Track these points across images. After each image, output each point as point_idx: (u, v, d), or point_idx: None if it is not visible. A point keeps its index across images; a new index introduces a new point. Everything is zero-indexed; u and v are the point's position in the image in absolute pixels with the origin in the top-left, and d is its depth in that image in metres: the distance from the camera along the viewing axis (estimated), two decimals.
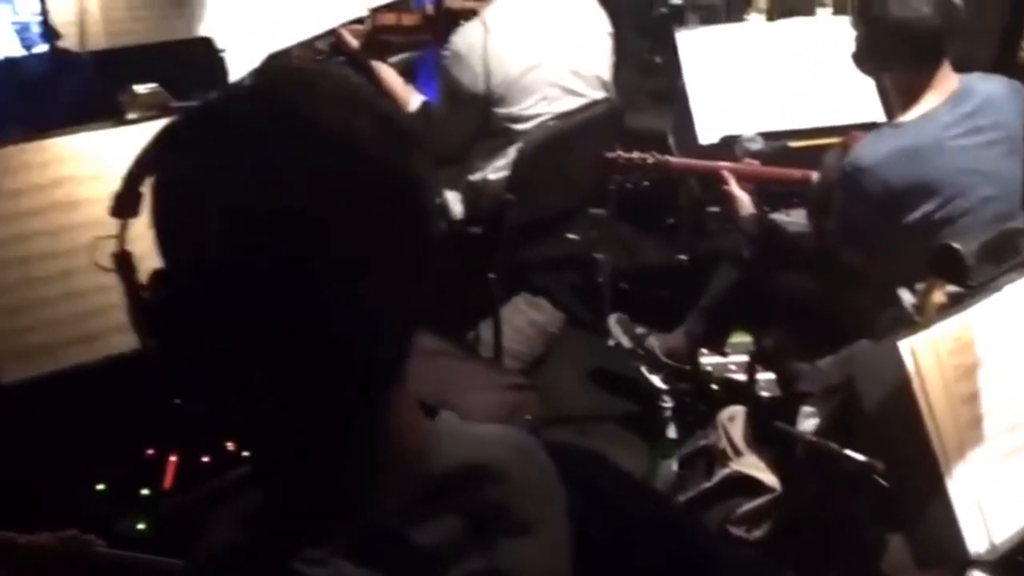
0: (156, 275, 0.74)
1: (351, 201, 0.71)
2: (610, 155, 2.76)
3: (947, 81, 2.22)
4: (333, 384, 0.73)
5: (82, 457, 1.75)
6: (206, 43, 2.48)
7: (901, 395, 1.37)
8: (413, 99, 3.01)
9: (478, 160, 2.92)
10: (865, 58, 2.27)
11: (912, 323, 1.50)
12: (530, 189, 2.86)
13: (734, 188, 2.61)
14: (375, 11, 3.29)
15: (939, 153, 2.17)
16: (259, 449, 0.80)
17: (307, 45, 3.38)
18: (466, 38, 2.74)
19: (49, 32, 1.70)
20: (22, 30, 1.65)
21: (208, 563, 0.82)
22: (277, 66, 0.80)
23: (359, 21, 3.32)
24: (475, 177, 2.92)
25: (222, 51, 2.74)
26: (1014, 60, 3.14)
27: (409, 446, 0.78)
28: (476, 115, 2.82)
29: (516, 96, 2.78)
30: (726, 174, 2.62)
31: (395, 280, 0.74)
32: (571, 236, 3.41)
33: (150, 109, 1.71)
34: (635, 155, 2.75)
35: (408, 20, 3.18)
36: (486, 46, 2.69)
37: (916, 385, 1.37)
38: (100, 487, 1.70)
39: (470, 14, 2.90)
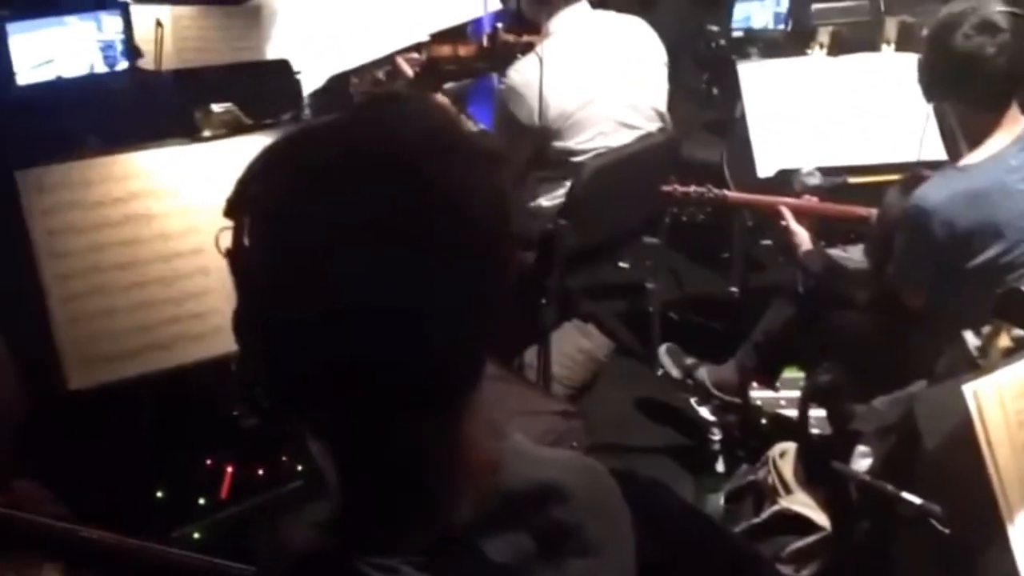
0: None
1: (445, 238, 0.74)
2: (667, 188, 2.76)
3: (1014, 124, 2.20)
4: (417, 397, 0.76)
5: (142, 464, 1.79)
6: (284, 65, 2.54)
7: (964, 439, 1.36)
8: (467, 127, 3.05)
9: (532, 188, 2.94)
10: (931, 84, 2.23)
11: (976, 366, 1.48)
12: (584, 216, 2.87)
13: (792, 223, 2.59)
14: (432, 41, 3.34)
15: (1005, 197, 2.14)
16: (336, 456, 0.81)
17: (365, 72, 3.44)
18: (523, 73, 2.76)
19: (131, 51, 1.75)
20: (106, 48, 1.71)
21: (280, 569, 0.84)
22: (385, 96, 0.83)
23: (417, 49, 3.38)
24: (528, 201, 2.94)
25: (298, 73, 2.81)
26: None
27: (482, 463, 0.80)
28: (531, 148, 2.84)
29: (572, 131, 2.80)
30: (783, 209, 2.61)
31: (481, 308, 0.76)
32: (623, 264, 3.42)
33: (223, 127, 1.76)
34: (692, 188, 2.74)
35: (464, 51, 3.22)
36: (542, 81, 2.70)
37: (979, 430, 1.35)
38: (159, 494, 1.73)
39: (526, 47, 2.92)
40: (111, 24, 1.68)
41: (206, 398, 1.91)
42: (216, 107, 1.66)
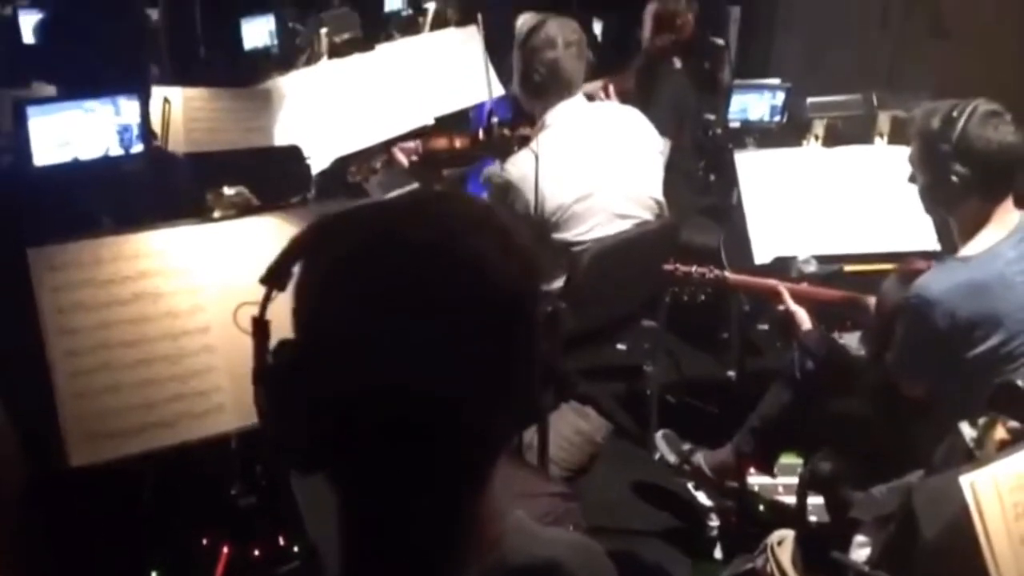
0: (283, 344, 0.82)
1: (478, 319, 0.78)
2: (668, 267, 2.79)
3: (1009, 215, 2.24)
4: (442, 470, 0.79)
5: (139, 541, 1.78)
6: (295, 151, 2.60)
7: (961, 530, 1.36)
8: None
9: None
10: (945, 191, 2.23)
11: (973, 458, 1.49)
12: (582, 299, 2.89)
13: (791, 304, 2.62)
14: (428, 133, 3.39)
15: (1006, 288, 2.16)
16: (346, 520, 0.84)
17: (362, 161, 3.51)
18: (519, 167, 2.75)
19: (146, 134, 1.80)
20: (122, 131, 1.76)
21: None
22: (432, 191, 0.90)
23: (413, 137, 3.44)
24: None
25: (308, 158, 2.88)
26: None
27: (488, 536, 0.82)
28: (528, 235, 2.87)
29: (570, 223, 2.80)
30: (783, 290, 2.64)
31: (510, 389, 0.81)
32: (620, 346, 3.44)
33: (232, 208, 1.80)
34: (693, 269, 2.78)
35: (460, 142, 3.25)
36: (538, 176, 2.70)
37: (977, 521, 1.36)
38: (155, 573, 1.72)
39: (522, 139, 2.94)
40: (129, 108, 1.74)
41: (204, 476, 1.91)
42: (228, 189, 1.70)
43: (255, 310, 0.89)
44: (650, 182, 2.97)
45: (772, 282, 2.73)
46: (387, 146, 3.34)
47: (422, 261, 0.78)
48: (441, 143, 3.27)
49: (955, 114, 2.18)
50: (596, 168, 2.83)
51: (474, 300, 0.78)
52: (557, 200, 2.77)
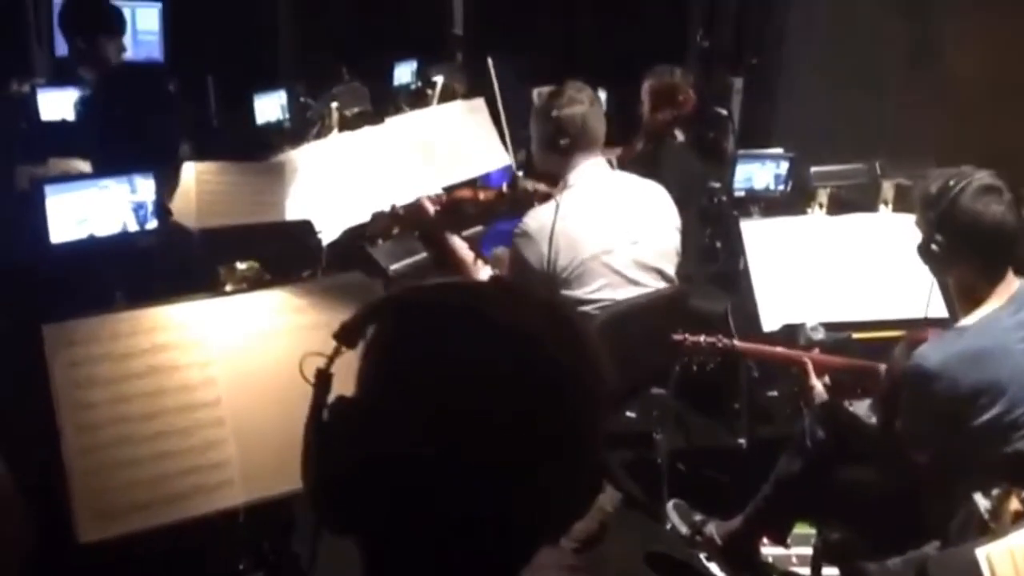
0: (340, 401, 0.86)
1: (546, 411, 0.82)
2: (677, 337, 2.80)
3: (1008, 284, 2.26)
4: (476, 547, 0.82)
5: None
6: (307, 226, 2.64)
7: None
8: (482, 272, 3.11)
9: None
10: (934, 255, 2.29)
11: (988, 530, 1.48)
12: None
13: (811, 379, 2.62)
14: (454, 185, 3.46)
15: (1006, 355, 2.17)
16: None
17: (380, 220, 3.55)
18: (538, 219, 2.83)
19: (161, 210, 1.84)
20: (137, 208, 1.80)
21: None
22: (512, 284, 0.97)
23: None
24: None
25: (319, 232, 2.91)
26: None
27: None
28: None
29: (580, 279, 2.84)
30: (806, 360, 2.65)
31: (566, 475, 0.84)
32: (630, 414, 3.43)
33: (244, 282, 1.82)
34: (703, 338, 2.78)
35: (484, 195, 3.32)
36: (555, 228, 2.77)
37: None
38: None
39: (544, 196, 3.01)
40: (144, 186, 1.77)
41: (211, 550, 1.90)
42: (240, 264, 1.73)
43: (319, 361, 0.92)
44: (665, 254, 3.00)
45: (784, 352, 2.73)
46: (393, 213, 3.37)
47: (500, 340, 0.82)
48: (466, 194, 3.35)
49: (951, 183, 2.22)
50: (613, 231, 2.88)
51: (545, 385, 0.82)
52: (571, 255, 2.81)
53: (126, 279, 1.78)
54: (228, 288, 1.81)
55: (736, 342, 2.80)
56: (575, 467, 0.84)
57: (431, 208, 3.27)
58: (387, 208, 3.35)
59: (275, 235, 2.24)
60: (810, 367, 2.64)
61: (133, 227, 1.79)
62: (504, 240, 3.16)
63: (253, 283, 1.81)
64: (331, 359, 0.90)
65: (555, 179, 2.99)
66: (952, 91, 4.90)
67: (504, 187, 3.31)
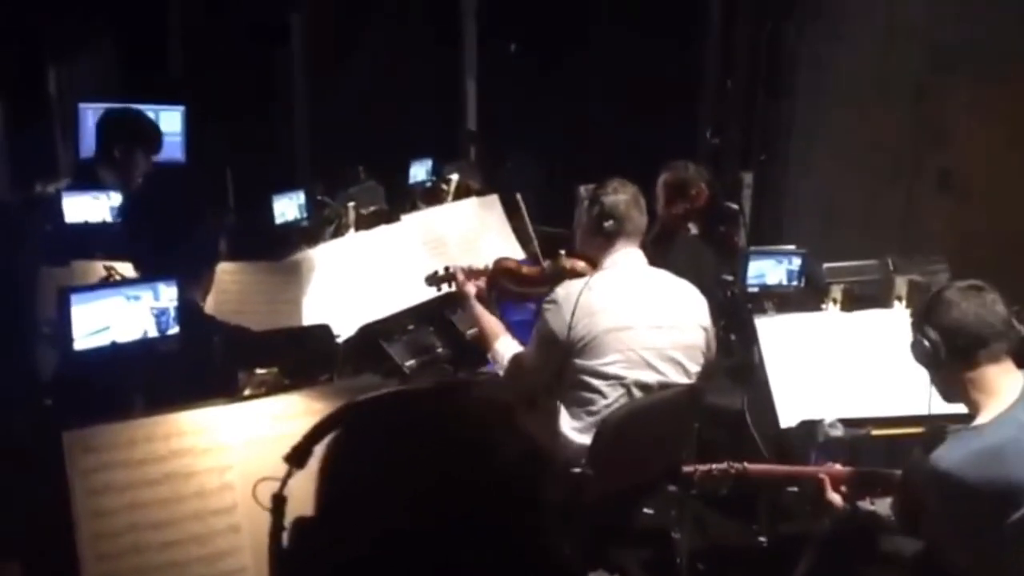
0: (298, 521, 0.87)
1: (493, 506, 0.85)
2: (688, 468, 2.76)
3: (1014, 380, 2.25)
4: None
5: None
6: (325, 330, 2.67)
7: None
8: (508, 345, 3.12)
9: (559, 407, 2.96)
10: (933, 361, 2.35)
11: None
12: (608, 465, 2.89)
13: (828, 494, 2.59)
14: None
15: (1022, 454, 2.15)
16: None
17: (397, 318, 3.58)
18: (567, 288, 2.92)
19: (183, 315, 1.87)
20: (159, 314, 1.83)
21: None
22: (457, 383, 1.01)
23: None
24: (554, 429, 2.95)
25: (338, 336, 2.94)
26: None
27: None
28: (558, 360, 2.91)
29: (595, 350, 2.87)
30: (822, 477, 2.61)
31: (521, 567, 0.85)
32: (648, 510, 3.38)
33: (262, 387, 1.83)
34: (713, 467, 2.73)
35: (527, 270, 3.37)
36: (580, 298, 2.85)
37: None
38: None
39: (580, 276, 3.07)
40: (167, 293, 1.81)
41: None
42: (260, 370, 1.75)
43: (275, 486, 0.95)
44: (686, 348, 3.01)
45: (795, 469, 2.70)
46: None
47: (436, 453, 0.85)
48: (510, 264, 3.39)
49: (937, 289, 2.33)
50: (636, 311, 2.93)
51: (490, 488, 0.85)
52: (590, 324, 2.86)
53: (146, 384, 1.79)
54: (247, 392, 1.82)
55: (748, 465, 2.75)
56: (531, 558, 0.86)
57: (463, 278, 3.30)
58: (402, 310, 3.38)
59: (294, 340, 2.27)
60: (826, 482, 2.61)
61: (154, 333, 1.82)
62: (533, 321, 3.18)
63: (272, 388, 1.83)
64: (284, 482, 0.93)
65: (594, 263, 3.06)
66: (962, 179, 4.96)
67: (546, 263, 3.37)
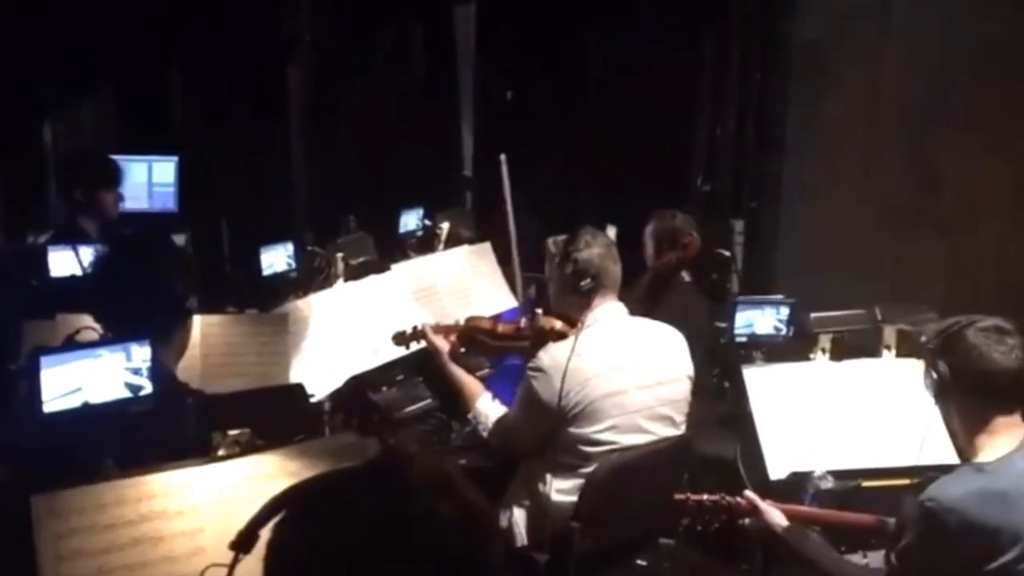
0: None
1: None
2: (680, 497, 2.74)
3: (1017, 426, 2.23)
4: None
5: None
6: (299, 389, 2.66)
7: None
8: (489, 405, 3.08)
9: (544, 472, 2.92)
10: (941, 394, 2.30)
11: None
12: (597, 519, 2.85)
13: (760, 504, 2.62)
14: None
15: (1022, 499, 2.13)
16: None
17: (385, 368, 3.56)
18: (552, 355, 2.84)
19: (156, 376, 1.86)
20: (132, 374, 1.82)
21: None
22: (391, 453, 1.03)
23: None
24: (541, 490, 2.92)
25: (312, 395, 2.93)
26: None
27: None
28: (548, 427, 2.88)
29: (590, 418, 2.83)
30: (752, 497, 2.62)
31: None
32: (641, 562, 3.33)
33: (235, 447, 1.81)
34: (705, 497, 2.72)
35: (502, 328, 3.31)
36: (569, 365, 2.77)
37: None
38: None
39: (561, 335, 3.00)
40: (139, 353, 1.80)
41: None
42: (233, 432, 1.73)
43: (223, 572, 1.01)
44: (675, 403, 2.99)
45: (790, 508, 2.67)
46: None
47: (378, 531, 0.85)
48: (484, 323, 3.33)
49: (963, 331, 2.25)
50: (627, 374, 2.88)
51: (430, 563, 0.85)
52: (580, 393, 2.81)
53: (118, 446, 1.78)
54: (220, 452, 1.80)
55: (740, 500, 2.74)
56: None
57: (443, 345, 3.26)
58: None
59: (267, 400, 2.26)
60: (757, 501, 2.63)
61: (125, 394, 1.81)
62: (513, 375, 3.13)
63: (246, 448, 1.81)
64: (231, 568, 0.95)
65: (573, 321, 3.00)
66: (956, 225, 4.96)
67: (523, 322, 3.31)
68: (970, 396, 2.24)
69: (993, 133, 4.78)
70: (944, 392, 2.28)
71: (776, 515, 2.59)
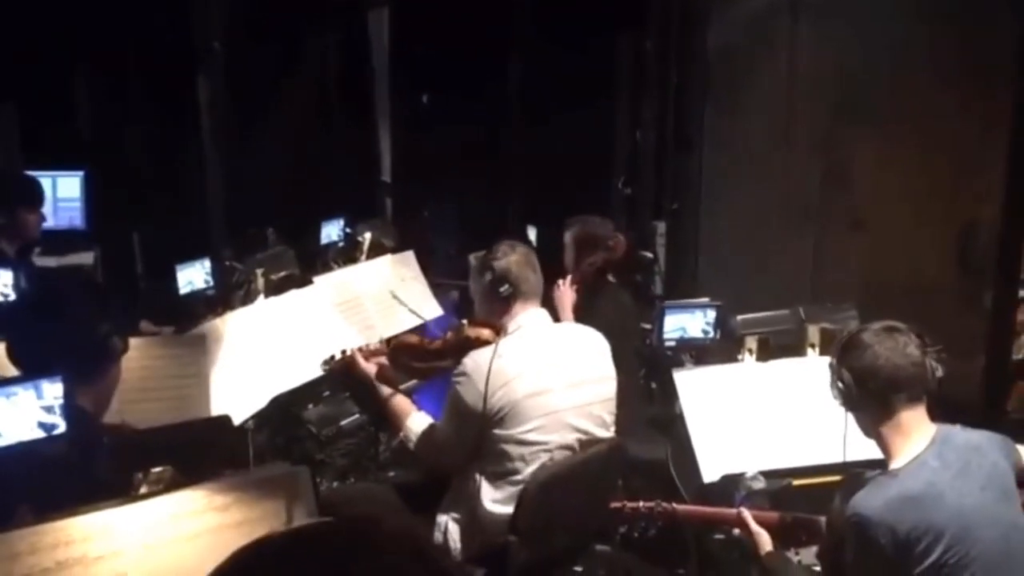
0: None
1: None
2: (616, 504, 2.74)
3: (926, 426, 2.29)
4: None
5: None
6: (225, 421, 2.57)
7: None
8: (419, 421, 3.04)
9: (477, 482, 2.89)
10: (849, 402, 2.37)
11: None
12: (534, 531, 2.83)
13: (753, 526, 2.59)
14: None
15: (937, 498, 2.18)
16: None
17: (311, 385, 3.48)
18: (475, 359, 2.83)
19: (69, 414, 1.76)
20: (44, 412, 1.72)
21: None
22: (357, 521, 0.97)
23: None
24: (474, 502, 2.89)
25: (235, 419, 2.83)
26: (1002, 413, 3.24)
27: None
28: (476, 432, 2.85)
29: (515, 419, 2.82)
30: (747, 516, 2.62)
31: None
32: (577, 568, 3.32)
33: (159, 483, 1.74)
34: (641, 504, 2.72)
35: (429, 343, 3.27)
36: (492, 367, 2.77)
37: None
38: None
39: (487, 343, 2.97)
40: (51, 391, 1.71)
41: None
42: (155, 469, 1.65)
43: None
44: (603, 402, 3.00)
45: (722, 512, 2.69)
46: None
47: None
48: (412, 339, 3.29)
49: (850, 331, 2.34)
50: (551, 373, 2.89)
51: None
52: (505, 393, 2.80)
53: (31, 490, 1.68)
54: (143, 490, 1.72)
55: (676, 506, 2.75)
56: None
57: (369, 367, 3.20)
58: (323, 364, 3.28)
59: (190, 435, 2.16)
60: (749, 518, 2.62)
61: (38, 434, 1.71)
62: (442, 386, 3.09)
63: (170, 485, 1.73)
64: None
65: (499, 329, 3.00)
66: (870, 220, 5.08)
67: (448, 334, 3.26)
68: (874, 396, 2.29)
69: (906, 135, 4.91)
70: (851, 399, 2.34)
71: (764, 538, 2.59)
